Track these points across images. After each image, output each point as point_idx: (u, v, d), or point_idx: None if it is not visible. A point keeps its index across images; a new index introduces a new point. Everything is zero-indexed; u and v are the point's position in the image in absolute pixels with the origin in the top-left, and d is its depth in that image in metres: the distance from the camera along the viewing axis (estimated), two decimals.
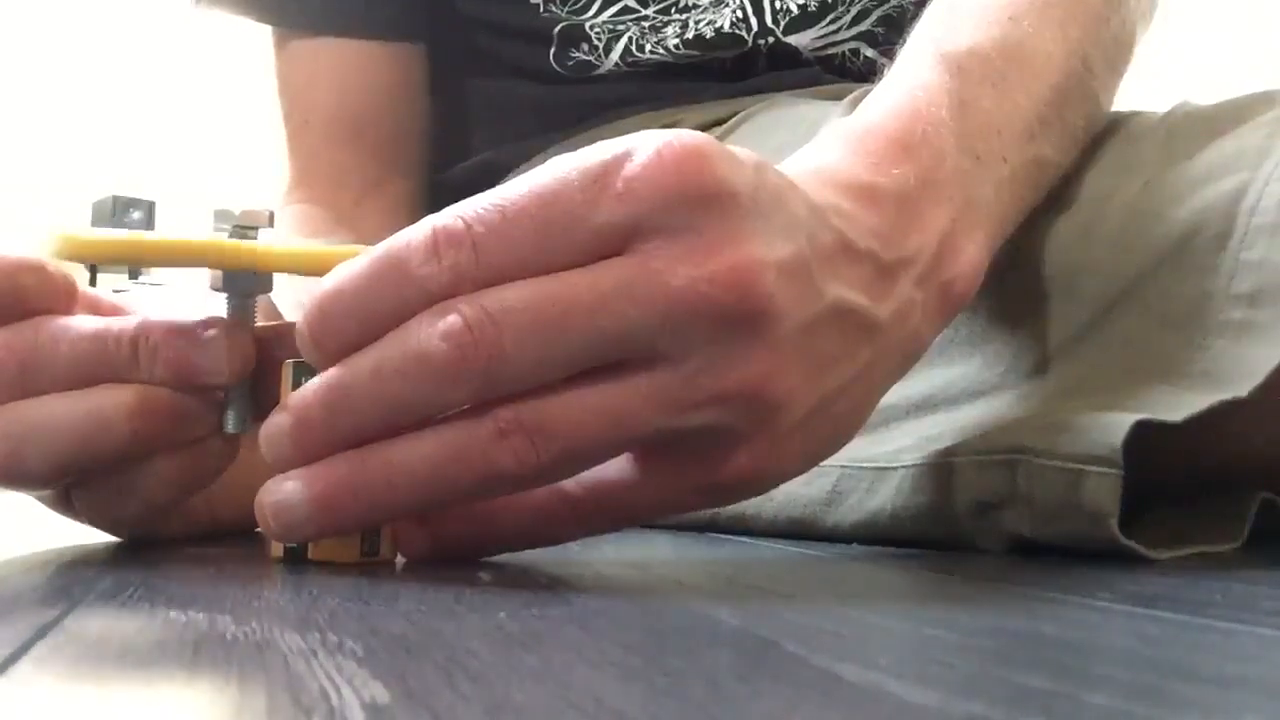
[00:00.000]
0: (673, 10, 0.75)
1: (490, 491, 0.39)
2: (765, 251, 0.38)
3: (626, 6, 0.75)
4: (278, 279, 0.44)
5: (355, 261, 0.38)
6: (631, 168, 0.37)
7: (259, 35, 0.81)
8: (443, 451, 0.37)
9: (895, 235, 0.43)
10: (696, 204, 0.37)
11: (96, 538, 0.48)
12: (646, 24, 0.75)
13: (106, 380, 0.41)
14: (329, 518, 0.38)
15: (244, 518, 0.40)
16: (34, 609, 0.32)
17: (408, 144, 0.81)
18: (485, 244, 0.37)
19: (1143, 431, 0.45)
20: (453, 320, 0.36)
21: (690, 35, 0.75)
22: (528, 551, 0.43)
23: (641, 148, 0.37)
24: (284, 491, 0.38)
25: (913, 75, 0.49)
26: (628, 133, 0.39)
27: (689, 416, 0.38)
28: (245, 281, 0.43)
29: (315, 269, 0.41)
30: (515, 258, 0.37)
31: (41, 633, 0.28)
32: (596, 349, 0.37)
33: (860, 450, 0.50)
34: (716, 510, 0.57)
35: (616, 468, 0.40)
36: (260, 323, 0.44)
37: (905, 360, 0.45)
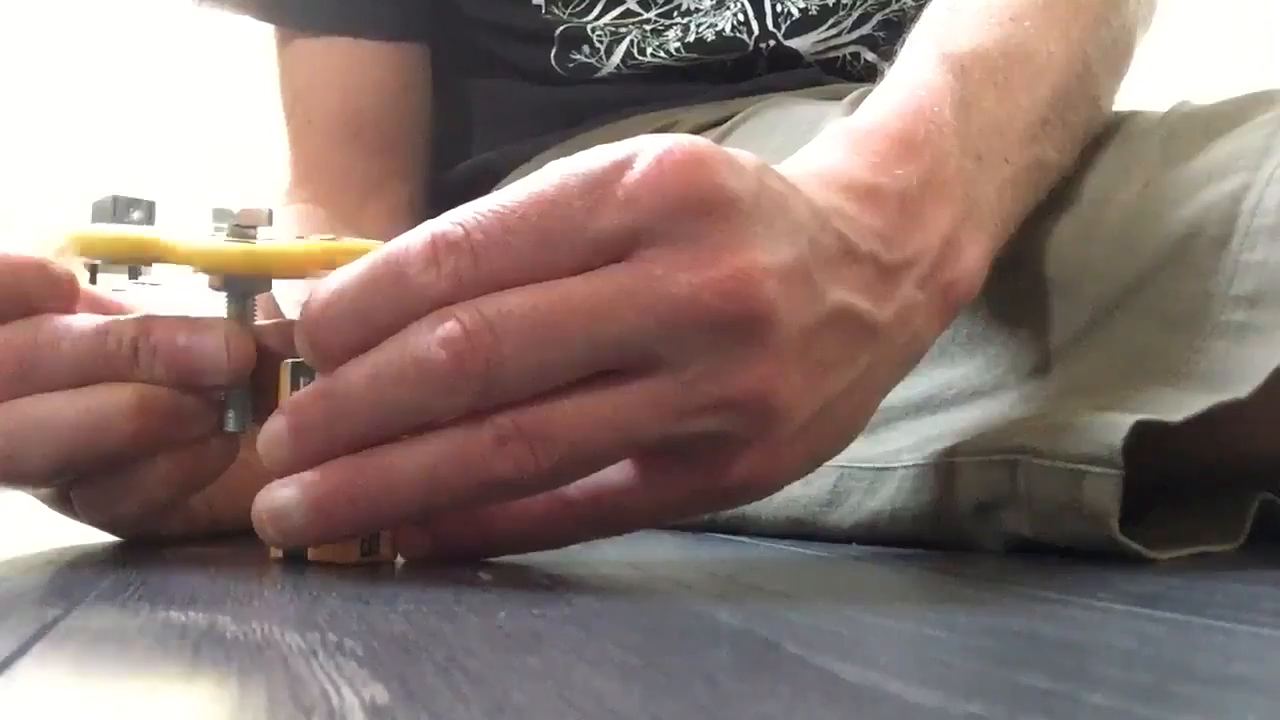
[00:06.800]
0: (674, 14, 0.75)
1: (489, 498, 0.39)
2: (766, 258, 0.38)
3: (628, 9, 0.75)
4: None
5: (355, 265, 0.38)
6: (632, 175, 0.37)
7: (261, 34, 0.81)
8: (441, 458, 0.37)
9: (897, 236, 0.43)
10: (697, 211, 0.37)
11: (96, 538, 0.48)
12: (648, 27, 0.75)
13: (107, 379, 0.41)
14: (326, 524, 0.38)
15: (244, 518, 0.40)
16: (34, 609, 0.32)
17: (410, 145, 0.81)
18: (484, 251, 0.37)
19: (1142, 432, 0.45)
20: (451, 327, 0.36)
21: (691, 38, 0.75)
22: (528, 552, 0.43)
23: (642, 154, 0.37)
24: (281, 497, 0.38)
25: (914, 75, 0.49)
26: (627, 134, 0.39)
27: (690, 423, 0.38)
28: (245, 280, 0.43)
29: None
30: (515, 264, 0.37)
31: (42, 632, 0.28)
32: (596, 356, 0.37)
33: (860, 450, 0.50)
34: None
35: (617, 473, 0.40)
36: (261, 320, 0.44)
37: (906, 362, 0.45)
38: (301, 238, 0.43)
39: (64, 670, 0.25)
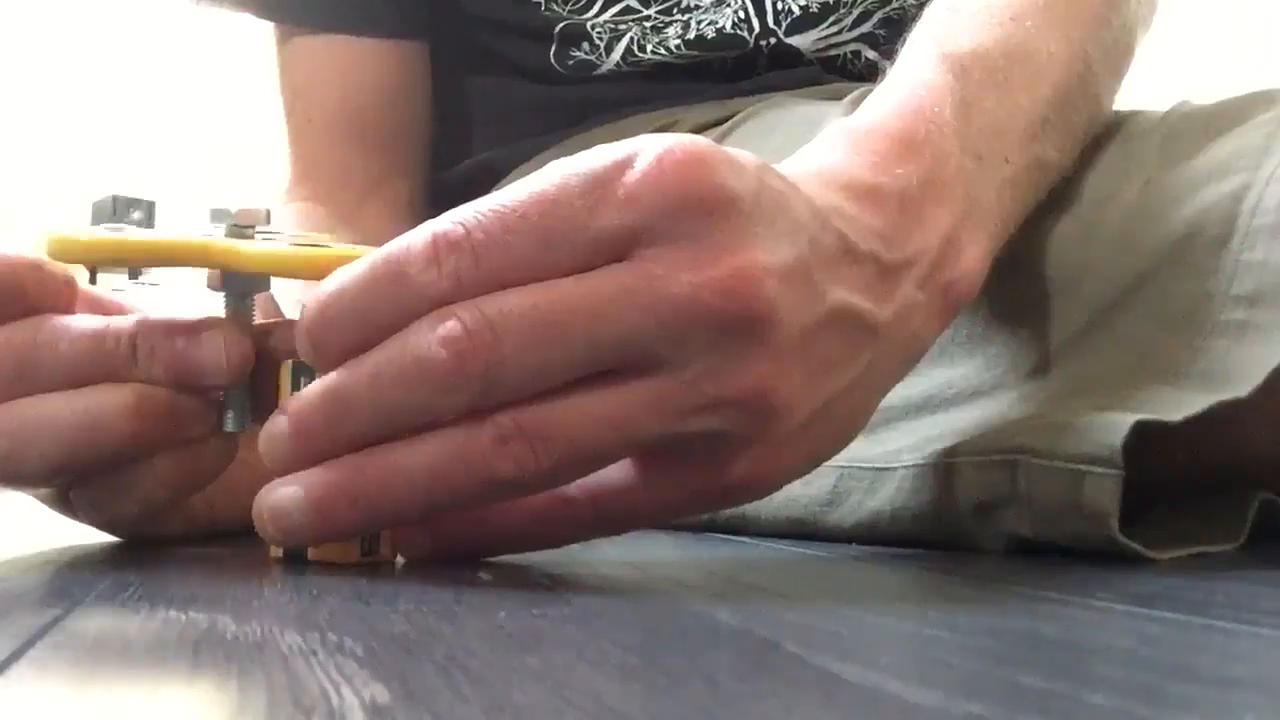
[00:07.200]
0: (674, 10, 0.75)
1: (490, 497, 0.39)
2: (766, 257, 0.38)
3: (628, 6, 0.75)
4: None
5: (355, 265, 0.38)
6: (633, 174, 0.37)
7: (260, 33, 0.81)
8: (442, 457, 0.37)
9: (897, 236, 0.43)
10: (698, 211, 0.37)
11: (96, 538, 0.48)
12: (648, 24, 0.75)
13: (105, 379, 0.41)
14: (327, 523, 0.38)
15: (243, 518, 0.40)
16: (34, 609, 0.32)
17: (410, 142, 0.81)
18: (485, 250, 0.37)
19: (1142, 432, 0.45)
20: (451, 326, 0.36)
21: (692, 35, 0.75)
22: (528, 552, 0.43)
23: (643, 154, 0.37)
24: (282, 497, 0.38)
25: (915, 75, 0.49)
26: (627, 134, 0.39)
27: (690, 422, 0.38)
28: (243, 280, 0.43)
29: (313, 273, 0.41)
30: (515, 264, 0.37)
31: (41, 633, 0.28)
32: (597, 355, 0.37)
33: (860, 450, 0.50)
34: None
35: (617, 472, 0.40)
36: (260, 319, 0.44)
37: (906, 361, 0.45)
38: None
39: (64, 670, 0.25)
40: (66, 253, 0.41)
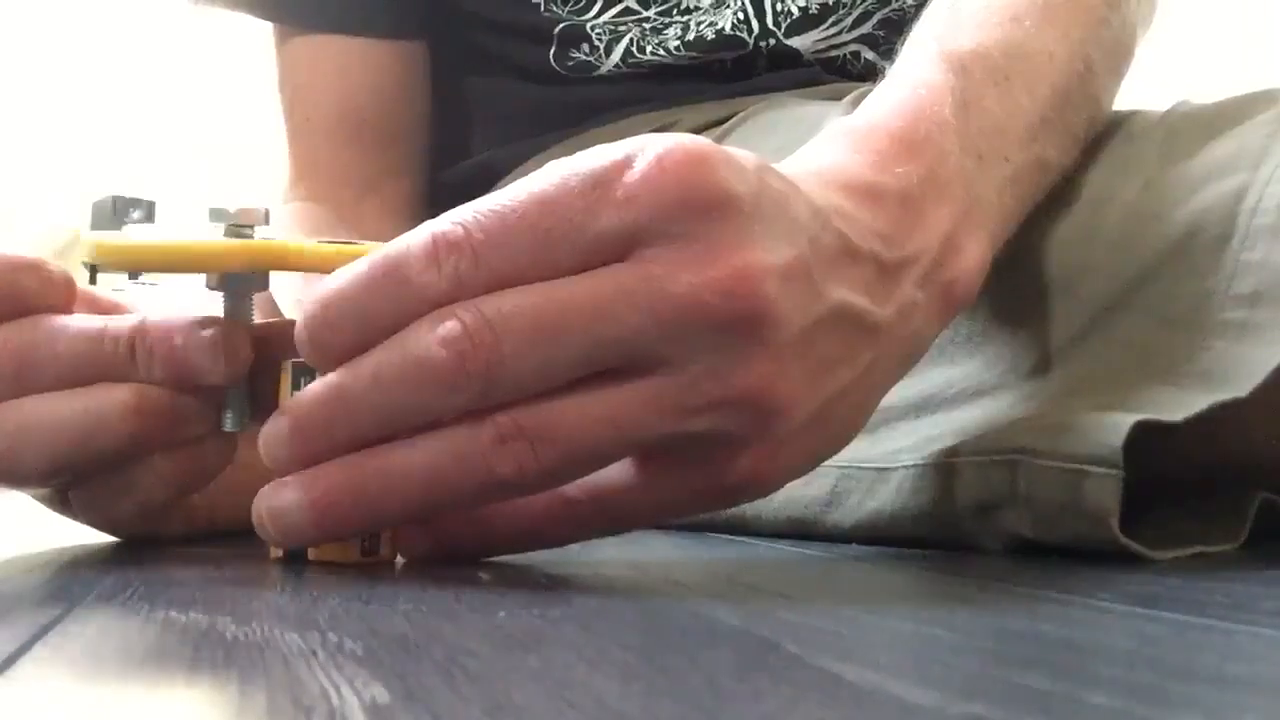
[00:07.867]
0: (674, 12, 0.75)
1: (490, 497, 0.39)
2: (766, 257, 0.38)
3: (628, 7, 0.75)
4: (275, 275, 0.44)
5: (355, 265, 0.38)
6: (632, 174, 0.37)
7: (260, 33, 0.81)
8: (442, 457, 0.37)
9: (898, 235, 0.43)
10: (698, 210, 0.37)
11: (96, 538, 0.48)
12: (647, 25, 0.75)
13: (104, 379, 0.41)
14: (327, 524, 0.38)
15: (243, 518, 0.40)
16: (34, 609, 0.32)
17: (409, 142, 0.81)
18: (485, 251, 0.37)
19: (1143, 432, 0.45)
20: (451, 326, 0.36)
21: (691, 37, 0.75)
22: (528, 552, 0.43)
23: (643, 153, 0.37)
24: (282, 498, 0.38)
25: (915, 74, 0.49)
26: (626, 134, 0.39)
27: (690, 422, 0.38)
28: (242, 279, 0.43)
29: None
30: (515, 264, 0.37)
31: (41, 633, 0.28)
32: (597, 355, 0.37)
33: (860, 451, 0.50)
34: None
35: (618, 472, 0.40)
36: (260, 319, 0.44)
37: (906, 361, 0.45)
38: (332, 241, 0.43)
39: (64, 670, 0.25)
40: (112, 259, 0.41)
